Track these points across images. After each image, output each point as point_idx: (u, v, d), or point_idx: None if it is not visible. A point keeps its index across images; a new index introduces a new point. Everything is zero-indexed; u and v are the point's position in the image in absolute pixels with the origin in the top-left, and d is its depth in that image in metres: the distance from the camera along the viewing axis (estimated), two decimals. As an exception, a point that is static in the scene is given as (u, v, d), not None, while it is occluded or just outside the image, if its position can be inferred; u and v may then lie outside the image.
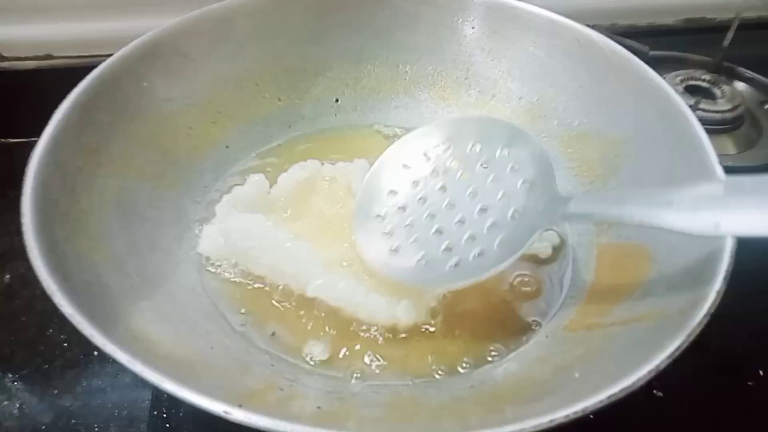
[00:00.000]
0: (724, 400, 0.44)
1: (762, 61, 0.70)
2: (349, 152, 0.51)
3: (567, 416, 0.27)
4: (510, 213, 0.35)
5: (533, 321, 0.42)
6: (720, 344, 0.46)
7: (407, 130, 0.48)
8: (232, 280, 0.43)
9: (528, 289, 0.44)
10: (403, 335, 0.40)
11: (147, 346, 0.33)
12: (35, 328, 0.46)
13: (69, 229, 0.37)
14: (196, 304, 0.41)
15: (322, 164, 0.48)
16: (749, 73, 0.66)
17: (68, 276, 0.33)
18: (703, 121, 0.57)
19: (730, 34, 0.65)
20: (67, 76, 0.44)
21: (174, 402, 0.41)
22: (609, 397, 0.28)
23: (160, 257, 0.42)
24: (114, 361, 0.29)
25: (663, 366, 0.29)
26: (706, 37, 0.77)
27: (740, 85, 0.66)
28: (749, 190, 0.29)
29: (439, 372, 0.39)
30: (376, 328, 0.40)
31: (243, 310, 0.42)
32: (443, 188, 0.37)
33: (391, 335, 0.40)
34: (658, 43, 0.69)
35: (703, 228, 0.29)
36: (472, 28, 0.55)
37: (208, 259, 0.44)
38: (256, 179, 0.47)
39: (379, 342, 0.40)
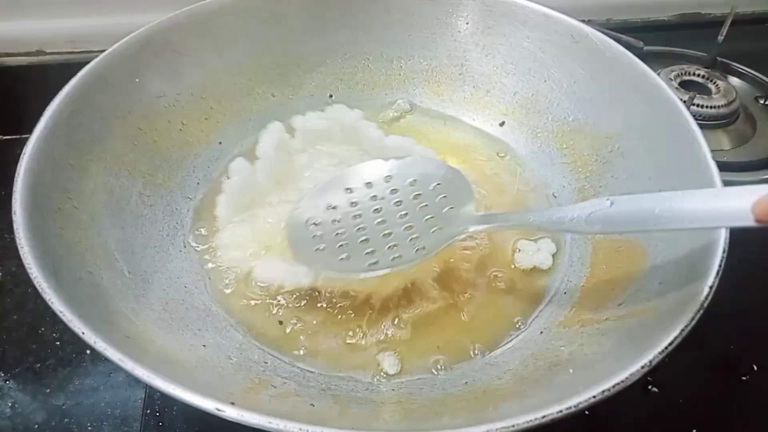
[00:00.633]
0: (718, 395, 0.44)
1: (756, 56, 0.70)
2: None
3: (560, 412, 0.27)
4: (432, 230, 0.41)
5: (528, 318, 0.42)
6: (714, 340, 0.47)
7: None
8: (224, 277, 0.43)
9: (523, 286, 0.44)
10: (397, 335, 0.41)
11: (138, 343, 0.33)
12: (27, 326, 0.46)
13: (60, 226, 0.37)
14: (189, 301, 0.41)
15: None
16: (743, 69, 0.67)
17: (59, 273, 0.33)
18: (698, 117, 0.58)
19: (724, 30, 0.65)
20: (59, 72, 0.44)
21: (167, 400, 0.41)
22: (602, 392, 0.28)
23: (152, 254, 0.42)
24: (107, 360, 0.29)
25: (656, 362, 0.29)
26: (700, 33, 0.77)
27: (735, 81, 0.66)
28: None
29: (434, 370, 0.39)
30: (363, 326, 0.41)
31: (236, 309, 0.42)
32: (377, 210, 0.42)
33: (382, 336, 0.41)
34: (653, 38, 0.69)
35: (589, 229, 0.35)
36: (467, 23, 0.55)
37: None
38: (238, 165, 0.49)
39: (372, 340, 0.40)
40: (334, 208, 0.43)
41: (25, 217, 0.34)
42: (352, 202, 0.43)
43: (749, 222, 0.28)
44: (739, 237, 0.34)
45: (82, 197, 0.40)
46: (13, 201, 0.35)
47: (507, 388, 0.36)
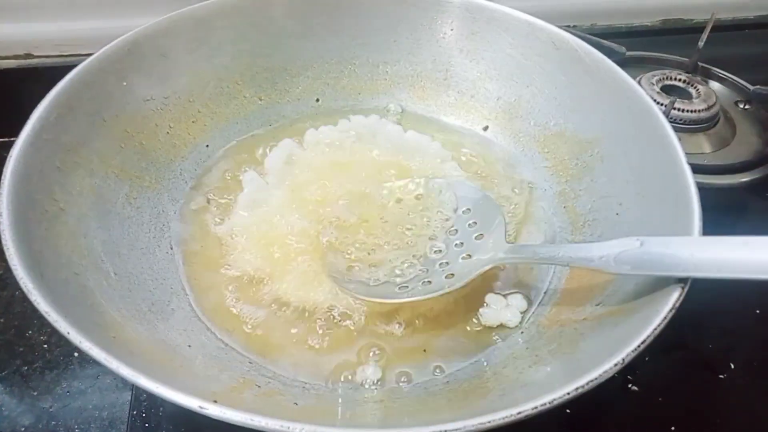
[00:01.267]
0: (696, 393, 0.45)
1: (736, 61, 0.71)
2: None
3: (535, 408, 0.28)
4: (461, 256, 0.42)
5: (508, 320, 0.43)
6: (693, 340, 0.48)
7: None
8: (211, 278, 0.44)
9: (506, 289, 0.45)
10: (383, 334, 0.41)
11: (124, 343, 0.34)
12: (15, 329, 0.46)
13: (47, 228, 0.37)
14: (175, 302, 0.41)
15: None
16: (724, 74, 0.67)
17: (45, 274, 0.33)
18: (679, 121, 0.59)
19: (704, 35, 0.66)
20: (47, 75, 0.44)
21: (153, 402, 0.41)
22: (575, 389, 0.28)
23: (138, 256, 0.42)
24: (94, 363, 0.29)
25: (629, 359, 0.30)
26: (682, 38, 0.79)
27: (715, 85, 0.67)
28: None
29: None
30: (352, 324, 0.41)
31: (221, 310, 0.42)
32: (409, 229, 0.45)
33: (370, 334, 0.41)
34: (636, 43, 0.71)
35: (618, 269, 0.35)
36: (451, 29, 0.56)
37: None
38: (250, 177, 0.49)
39: (358, 339, 0.41)
40: (366, 222, 0.45)
41: (11, 219, 0.34)
42: (384, 221, 0.45)
43: None
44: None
45: (68, 199, 0.40)
46: (0, 203, 0.35)
47: (487, 388, 0.37)
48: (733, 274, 0.31)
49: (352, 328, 0.41)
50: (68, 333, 0.30)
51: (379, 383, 0.39)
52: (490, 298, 0.43)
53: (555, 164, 0.51)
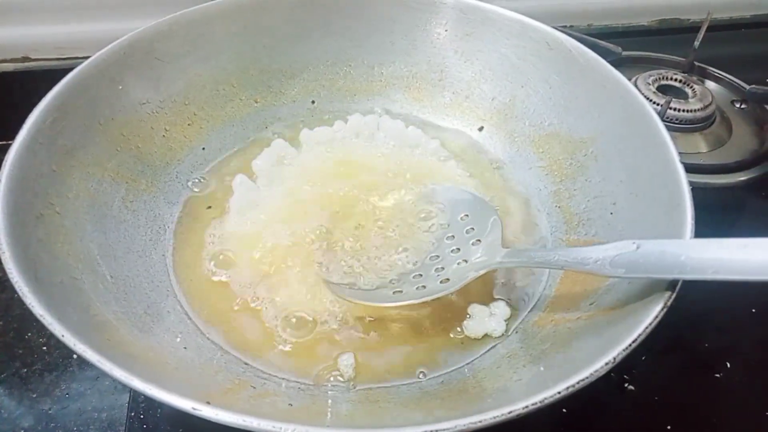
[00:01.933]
0: (692, 392, 0.45)
1: (732, 61, 0.71)
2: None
3: (526, 407, 0.28)
4: (457, 261, 0.42)
5: (505, 320, 0.43)
6: (689, 339, 0.48)
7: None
8: (206, 281, 0.44)
9: (503, 289, 0.45)
10: (376, 335, 0.41)
11: (119, 346, 0.34)
12: (14, 331, 0.46)
13: (43, 231, 0.37)
14: (170, 305, 0.42)
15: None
16: (720, 73, 0.68)
17: (40, 277, 0.33)
18: (675, 120, 0.59)
19: (700, 35, 0.66)
20: (43, 78, 0.44)
21: (151, 404, 0.41)
22: (567, 388, 0.28)
23: (134, 259, 0.43)
24: (92, 365, 0.29)
25: (620, 358, 0.30)
26: (679, 38, 0.79)
27: (711, 85, 0.67)
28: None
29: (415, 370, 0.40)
30: (343, 321, 0.42)
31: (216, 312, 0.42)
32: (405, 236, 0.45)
33: (364, 335, 0.41)
34: (632, 43, 0.71)
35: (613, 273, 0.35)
36: (446, 30, 0.56)
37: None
38: (239, 181, 0.49)
39: (353, 341, 0.41)
40: (362, 226, 0.45)
41: (6, 222, 0.34)
42: (380, 226, 0.45)
43: None
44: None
45: (64, 203, 0.40)
46: (-5, 206, 0.35)
47: (480, 387, 0.37)
48: (728, 276, 0.31)
49: (344, 332, 0.41)
50: (63, 336, 0.30)
51: (370, 383, 0.39)
52: (473, 308, 0.43)
53: (550, 164, 0.51)
